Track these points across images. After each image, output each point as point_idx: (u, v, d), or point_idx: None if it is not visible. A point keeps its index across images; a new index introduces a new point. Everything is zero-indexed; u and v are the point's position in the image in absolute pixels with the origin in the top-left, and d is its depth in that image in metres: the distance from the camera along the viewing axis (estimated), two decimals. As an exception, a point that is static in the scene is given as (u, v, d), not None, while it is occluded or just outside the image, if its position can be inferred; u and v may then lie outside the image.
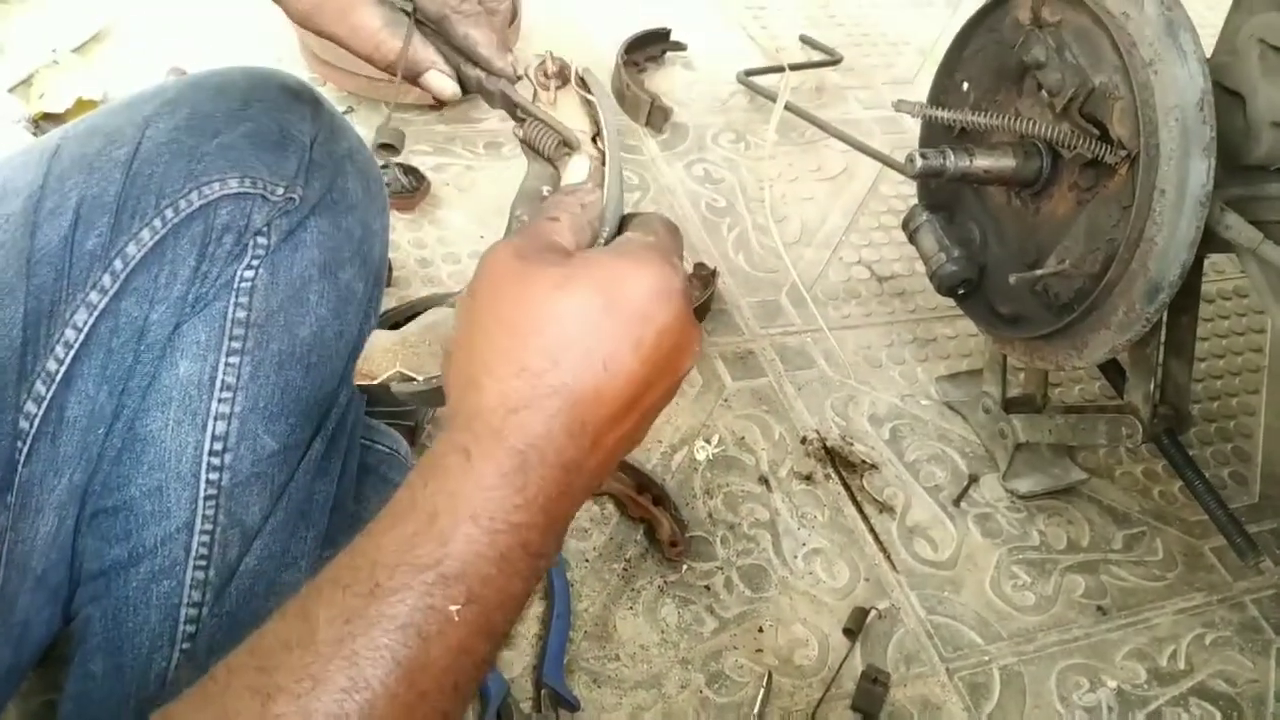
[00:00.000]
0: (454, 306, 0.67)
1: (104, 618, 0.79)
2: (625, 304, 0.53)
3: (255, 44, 1.78)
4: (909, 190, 1.84)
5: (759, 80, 1.94)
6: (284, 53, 1.77)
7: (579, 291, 0.53)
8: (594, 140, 0.62)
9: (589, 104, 0.63)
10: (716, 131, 1.85)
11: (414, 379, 0.67)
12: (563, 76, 0.67)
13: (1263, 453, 1.57)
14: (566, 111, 0.66)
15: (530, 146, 0.68)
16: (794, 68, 1.96)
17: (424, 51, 0.75)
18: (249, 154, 0.81)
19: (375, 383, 0.68)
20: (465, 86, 0.77)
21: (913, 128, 2.00)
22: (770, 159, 1.80)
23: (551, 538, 0.53)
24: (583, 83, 0.65)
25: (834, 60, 2.07)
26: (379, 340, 0.69)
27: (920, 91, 2.11)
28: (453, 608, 0.49)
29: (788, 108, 1.83)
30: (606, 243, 0.61)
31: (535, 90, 0.69)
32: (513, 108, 0.70)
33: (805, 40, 2.13)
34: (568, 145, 0.65)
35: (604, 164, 0.60)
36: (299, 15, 0.74)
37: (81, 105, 1.53)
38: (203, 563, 0.79)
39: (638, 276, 0.54)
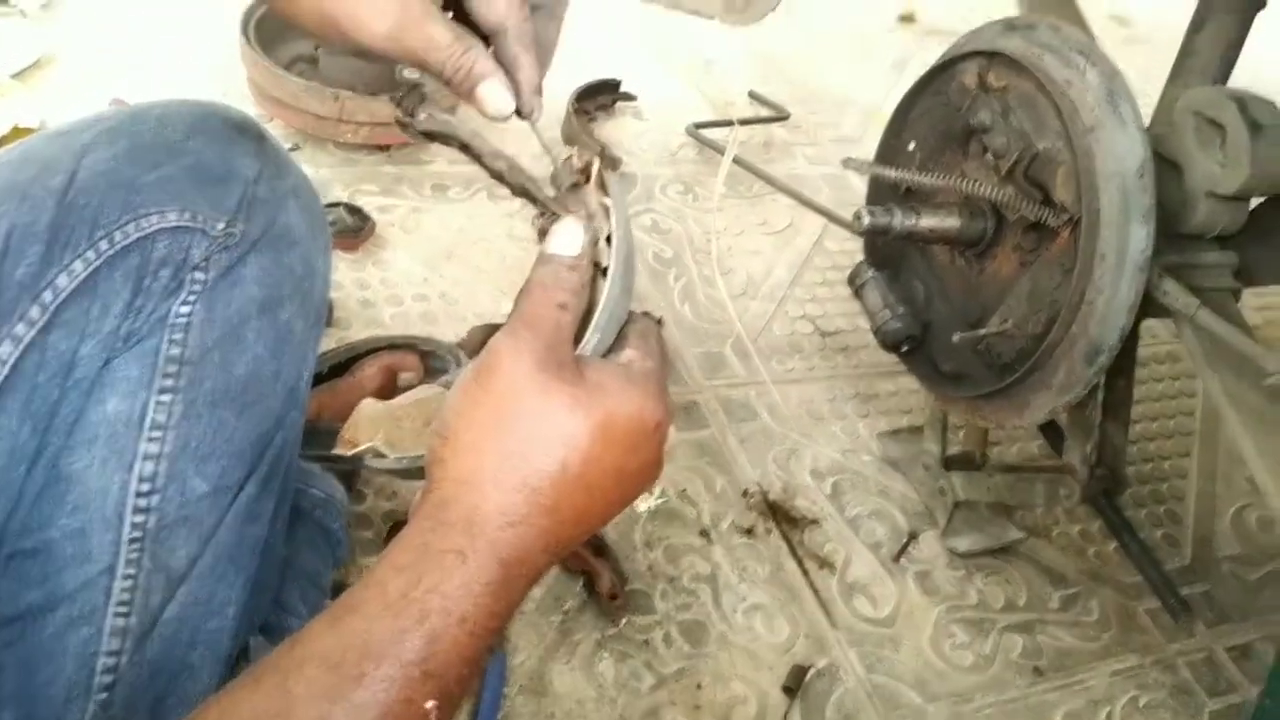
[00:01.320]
0: (446, 387, 0.67)
1: (17, 666, 0.75)
2: (624, 438, 0.58)
3: (201, 78, 1.76)
4: (854, 246, 1.86)
5: (708, 134, 1.96)
6: (230, 88, 1.75)
7: (589, 419, 0.57)
8: (607, 240, 0.64)
9: (604, 207, 0.64)
10: (665, 182, 1.86)
11: (386, 455, 0.67)
12: (586, 173, 0.67)
13: (1194, 515, 1.59)
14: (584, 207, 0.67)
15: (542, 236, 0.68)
16: (743, 122, 1.99)
17: (484, 59, 0.65)
18: (189, 187, 0.79)
19: (352, 453, 0.67)
20: (482, 164, 0.72)
21: (859, 185, 2.03)
22: (718, 211, 1.81)
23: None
24: (602, 183, 0.65)
25: (782, 116, 2.09)
26: (366, 410, 0.70)
27: (867, 150, 2.15)
28: (429, 704, 0.52)
29: (736, 161, 1.85)
30: (600, 340, 0.62)
31: (561, 184, 0.68)
32: (531, 198, 0.70)
33: (754, 96, 2.16)
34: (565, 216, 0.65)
35: (606, 269, 0.62)
36: None
37: (18, 132, 1.49)
38: (124, 609, 0.76)
39: (640, 414, 0.59)
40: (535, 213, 0.70)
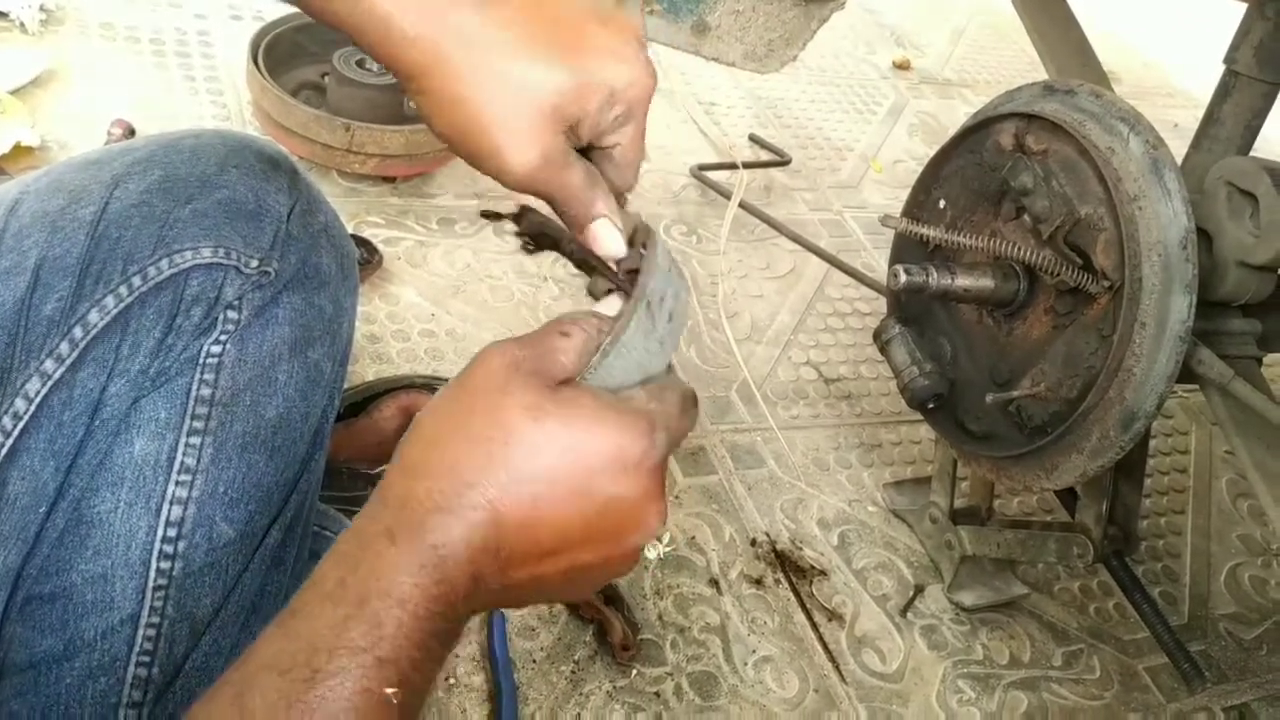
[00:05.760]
0: None
1: (30, 717, 0.72)
2: (583, 457, 0.54)
3: (203, 99, 1.74)
4: (855, 293, 1.87)
5: (711, 176, 1.96)
6: (234, 111, 1.73)
7: (544, 425, 0.53)
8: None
9: (641, 258, 0.63)
10: (668, 223, 1.85)
11: None
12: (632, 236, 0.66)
13: (1190, 573, 1.61)
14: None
15: (593, 297, 0.68)
16: (746, 166, 1.99)
17: (592, 189, 0.61)
18: (223, 223, 0.77)
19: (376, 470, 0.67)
20: (560, 250, 0.72)
21: (857, 232, 2.04)
22: (722, 254, 1.81)
23: (458, 636, 0.54)
24: (644, 243, 0.64)
25: (783, 161, 2.10)
26: None
27: (864, 197, 2.17)
28: (388, 690, 0.49)
29: (740, 205, 1.85)
30: (604, 372, 0.59)
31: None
32: (582, 261, 0.70)
33: (755, 139, 2.17)
34: (614, 290, 0.65)
35: (624, 310, 0.60)
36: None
37: (19, 150, 1.46)
38: (146, 659, 0.74)
39: (607, 436, 0.54)
40: (596, 279, 0.70)
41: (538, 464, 0.53)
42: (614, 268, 0.67)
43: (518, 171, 0.59)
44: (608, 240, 0.63)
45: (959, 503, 1.42)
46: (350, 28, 0.56)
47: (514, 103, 0.57)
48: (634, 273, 0.64)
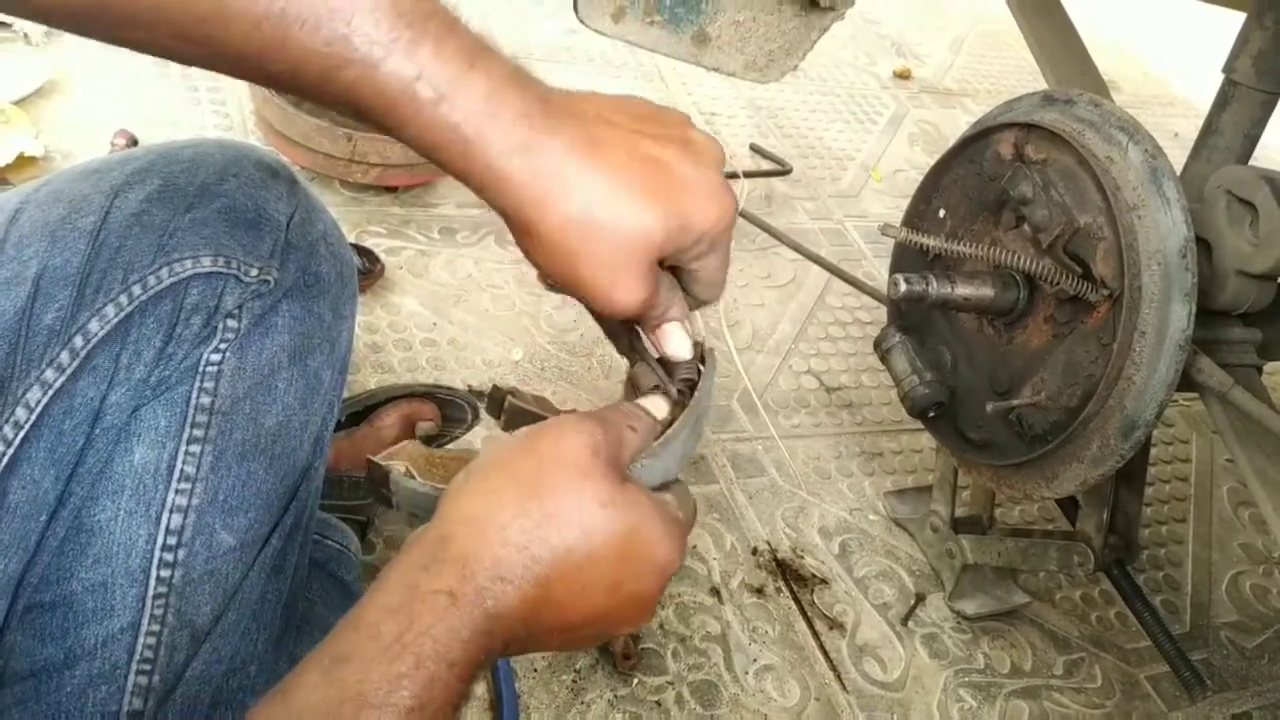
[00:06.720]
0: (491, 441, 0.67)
1: (31, 725, 0.72)
2: (633, 557, 0.58)
3: (205, 109, 1.75)
4: (855, 302, 1.87)
5: (712, 184, 1.96)
6: (236, 121, 1.74)
7: (611, 521, 0.57)
8: (681, 395, 0.67)
9: (699, 373, 0.68)
10: (669, 232, 1.85)
11: (416, 478, 0.67)
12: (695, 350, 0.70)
13: (1191, 582, 1.60)
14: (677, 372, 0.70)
15: (633, 384, 0.71)
16: (747, 175, 1.99)
17: (671, 295, 0.65)
18: (223, 231, 0.77)
19: (384, 462, 0.68)
20: (601, 323, 0.74)
21: (858, 241, 2.04)
22: (723, 263, 1.81)
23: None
24: (703, 358, 0.69)
25: (784, 170, 2.10)
26: (408, 448, 0.70)
27: (865, 206, 2.17)
28: None
29: (741, 214, 1.85)
30: (649, 467, 0.63)
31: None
32: (631, 351, 0.72)
33: (755, 149, 2.17)
34: (660, 389, 0.68)
35: (678, 418, 0.64)
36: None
37: (23, 161, 1.47)
38: (147, 667, 0.74)
39: (657, 544, 0.59)
40: (630, 364, 0.73)
41: (595, 555, 0.57)
42: (652, 359, 0.70)
43: (624, 310, 0.62)
44: (678, 343, 0.67)
45: (960, 511, 1.42)
46: (459, 173, 0.57)
47: (619, 252, 0.60)
48: (686, 382, 0.69)
